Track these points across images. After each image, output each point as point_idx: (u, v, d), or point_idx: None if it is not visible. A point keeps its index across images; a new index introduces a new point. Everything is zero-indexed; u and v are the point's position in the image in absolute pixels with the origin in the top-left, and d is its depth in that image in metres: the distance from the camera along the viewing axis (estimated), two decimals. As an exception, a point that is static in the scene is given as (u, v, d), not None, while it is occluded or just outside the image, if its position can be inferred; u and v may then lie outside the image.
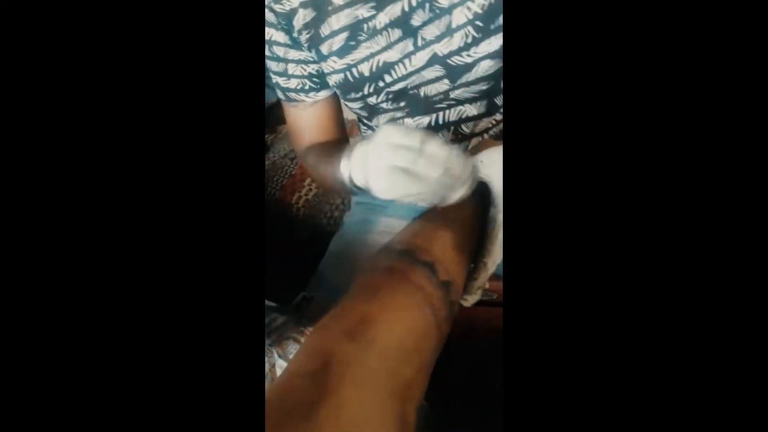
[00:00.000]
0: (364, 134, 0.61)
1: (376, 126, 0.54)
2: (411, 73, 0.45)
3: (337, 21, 0.43)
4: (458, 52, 0.42)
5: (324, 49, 0.45)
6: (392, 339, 0.26)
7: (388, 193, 0.31)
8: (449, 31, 0.42)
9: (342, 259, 0.68)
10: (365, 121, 0.56)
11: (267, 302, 0.57)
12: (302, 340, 0.51)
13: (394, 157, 0.30)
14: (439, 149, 0.30)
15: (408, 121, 0.50)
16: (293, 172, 0.90)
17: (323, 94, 0.51)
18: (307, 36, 0.45)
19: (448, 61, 0.43)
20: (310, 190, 0.85)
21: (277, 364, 0.50)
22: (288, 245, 0.84)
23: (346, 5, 0.42)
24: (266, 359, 0.50)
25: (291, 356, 0.50)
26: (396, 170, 0.30)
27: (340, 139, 0.56)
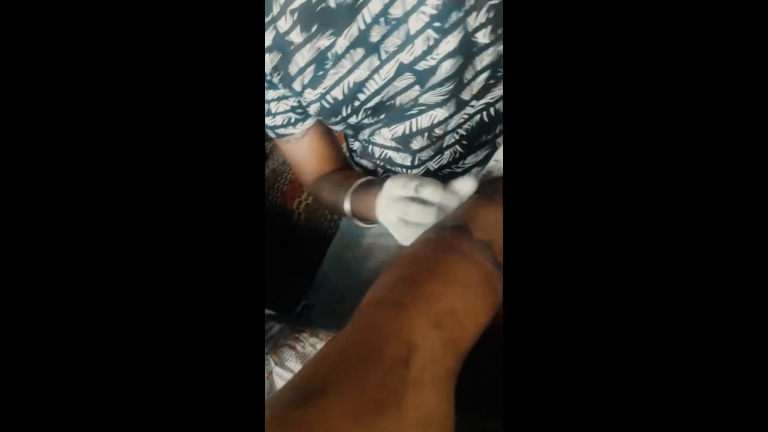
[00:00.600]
0: (351, 145, 0.62)
1: (363, 140, 0.55)
2: (383, 86, 0.45)
3: (302, 57, 0.45)
4: (423, 56, 0.43)
5: (297, 85, 0.47)
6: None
7: (404, 241, 0.39)
8: (410, 39, 0.42)
9: (340, 263, 0.69)
10: (351, 138, 0.58)
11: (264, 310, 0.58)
12: (298, 347, 0.52)
13: (396, 211, 0.38)
14: (431, 194, 0.36)
15: (384, 130, 0.51)
16: (292, 178, 0.91)
17: (309, 122, 0.52)
18: (279, 77, 0.47)
19: (416, 67, 0.43)
20: (310, 195, 0.86)
21: (275, 371, 0.50)
22: (290, 251, 0.84)
23: (306, 40, 0.43)
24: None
25: (287, 363, 0.50)
26: (401, 222, 0.38)
27: (339, 165, 0.58)
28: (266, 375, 0.50)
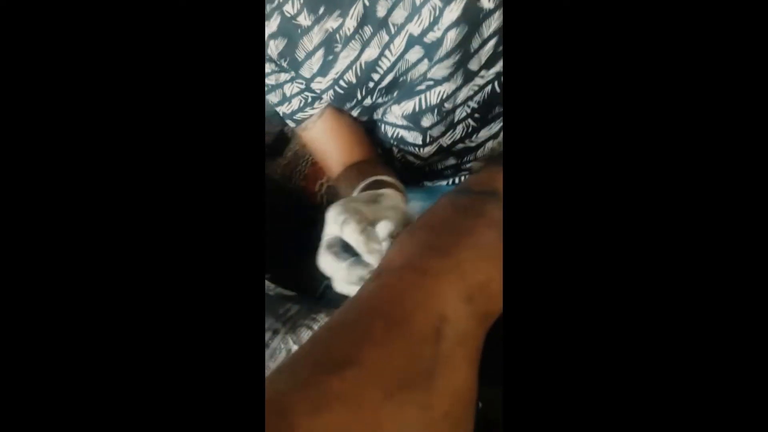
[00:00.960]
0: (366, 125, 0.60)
1: (376, 119, 0.54)
2: (396, 62, 0.44)
3: (309, 41, 0.44)
4: (430, 28, 0.41)
5: (305, 72, 0.46)
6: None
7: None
8: (416, 10, 0.41)
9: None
10: (364, 120, 0.56)
11: (283, 291, 0.59)
12: (315, 327, 0.53)
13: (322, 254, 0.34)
14: (350, 235, 0.32)
15: (395, 107, 0.49)
16: (314, 161, 0.91)
17: (326, 100, 0.51)
18: (286, 63, 0.46)
19: (425, 39, 0.42)
20: (331, 176, 0.86)
21: (293, 350, 0.52)
22: (314, 232, 0.85)
23: (314, 23, 0.42)
24: (282, 346, 0.52)
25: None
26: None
27: (364, 150, 0.54)
28: (285, 354, 0.51)
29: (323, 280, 0.73)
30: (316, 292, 0.71)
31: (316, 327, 0.52)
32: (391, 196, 0.38)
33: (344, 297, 0.73)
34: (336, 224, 0.32)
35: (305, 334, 0.52)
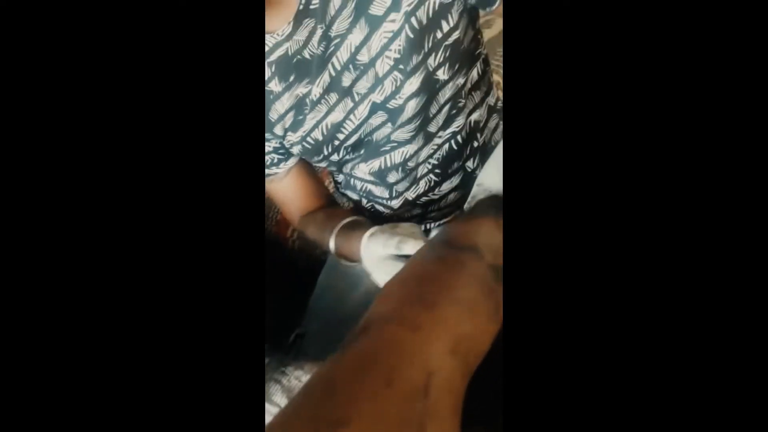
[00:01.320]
0: (336, 177, 0.64)
1: (345, 173, 0.58)
2: (360, 125, 0.48)
3: (281, 105, 0.47)
4: (392, 96, 0.45)
5: (278, 130, 0.50)
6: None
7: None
8: (378, 81, 0.44)
9: (331, 290, 0.69)
10: (335, 173, 0.60)
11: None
12: (284, 381, 0.52)
13: (383, 273, 0.41)
14: (413, 250, 0.39)
15: (362, 165, 0.53)
16: (286, 207, 0.92)
17: (292, 161, 0.55)
18: None
19: (387, 105, 0.46)
20: (296, 232, 0.87)
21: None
22: (286, 278, 0.85)
23: (285, 89, 0.46)
24: (251, 402, 0.51)
25: (274, 398, 0.51)
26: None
27: (323, 202, 0.60)
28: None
29: (296, 328, 0.72)
30: (285, 342, 0.71)
31: (284, 381, 0.52)
32: (402, 224, 0.44)
33: (315, 347, 0.72)
34: (390, 246, 0.40)
35: (274, 389, 0.51)
